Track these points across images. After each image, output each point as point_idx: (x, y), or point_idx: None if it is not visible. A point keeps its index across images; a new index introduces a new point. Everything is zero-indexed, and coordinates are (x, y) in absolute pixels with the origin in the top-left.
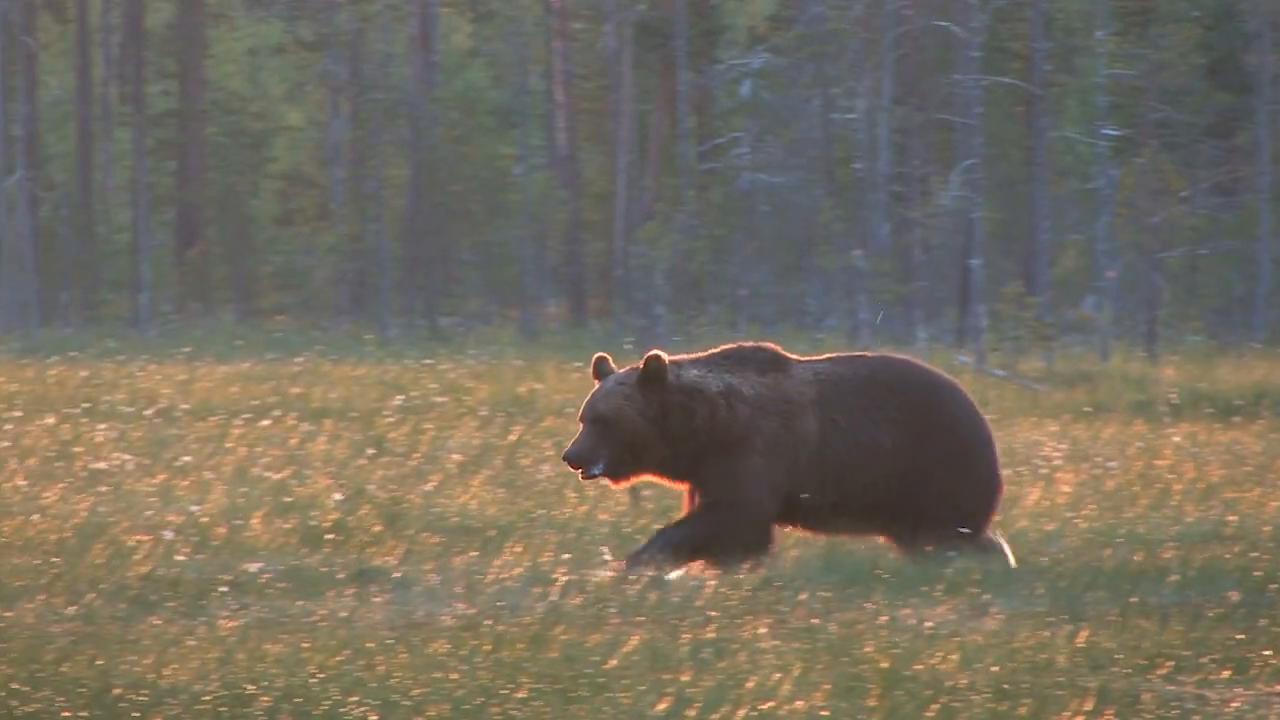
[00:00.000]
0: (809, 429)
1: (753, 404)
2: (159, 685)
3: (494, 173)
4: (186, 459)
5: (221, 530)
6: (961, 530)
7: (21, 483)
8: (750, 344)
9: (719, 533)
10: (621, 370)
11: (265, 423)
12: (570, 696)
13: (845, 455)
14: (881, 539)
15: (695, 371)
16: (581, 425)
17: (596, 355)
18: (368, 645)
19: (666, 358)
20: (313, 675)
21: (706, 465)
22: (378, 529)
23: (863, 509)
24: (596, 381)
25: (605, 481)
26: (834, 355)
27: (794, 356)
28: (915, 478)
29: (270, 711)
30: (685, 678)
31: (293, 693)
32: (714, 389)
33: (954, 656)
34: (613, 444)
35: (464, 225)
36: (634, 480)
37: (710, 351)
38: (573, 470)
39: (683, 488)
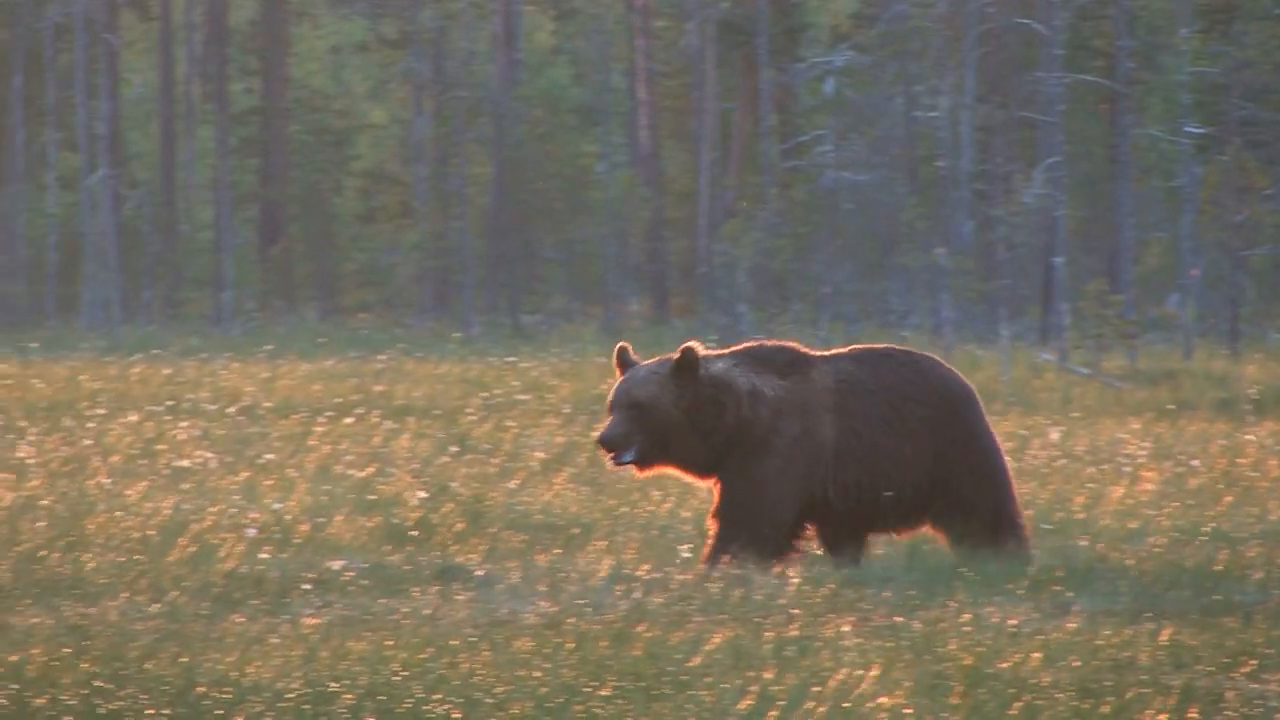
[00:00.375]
0: (827, 435)
1: (773, 406)
2: (242, 683)
3: (576, 170)
4: (269, 457)
5: (305, 528)
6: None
7: (105, 480)
8: (772, 343)
9: (736, 535)
10: (650, 360)
11: (348, 420)
12: (653, 694)
13: (864, 461)
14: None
15: (723, 365)
16: (611, 412)
17: (619, 345)
18: (451, 643)
19: (700, 349)
20: (396, 673)
21: (729, 463)
22: (461, 527)
23: (880, 515)
24: (619, 371)
25: (632, 470)
26: (857, 351)
27: (816, 354)
28: (934, 486)
29: (353, 709)
30: (768, 675)
31: (376, 690)
32: (742, 386)
33: (1037, 655)
34: (645, 431)
35: (547, 223)
36: (658, 471)
37: (734, 349)
38: (605, 455)
39: (705, 483)
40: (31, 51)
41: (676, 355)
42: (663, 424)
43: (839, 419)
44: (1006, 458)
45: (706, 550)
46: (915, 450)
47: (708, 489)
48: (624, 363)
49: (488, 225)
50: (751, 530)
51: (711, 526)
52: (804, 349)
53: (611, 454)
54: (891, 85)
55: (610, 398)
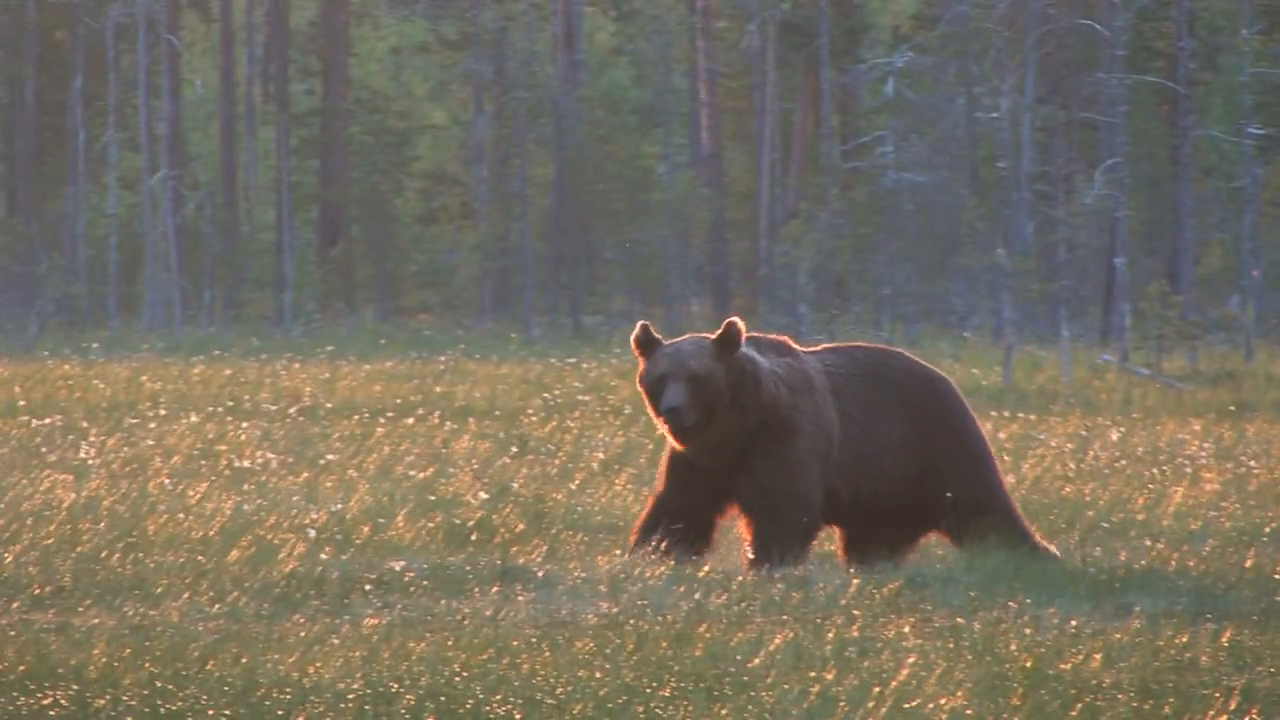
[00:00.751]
0: (831, 414)
1: (788, 384)
2: (303, 684)
3: (638, 171)
4: (330, 457)
5: (366, 529)
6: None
7: (166, 481)
8: (755, 332)
9: (781, 526)
10: (683, 337)
11: (409, 421)
12: (714, 695)
13: (858, 442)
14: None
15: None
16: (665, 383)
17: (641, 323)
18: (512, 644)
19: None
20: (457, 674)
21: (757, 446)
22: (521, 528)
23: (875, 500)
24: (638, 349)
25: (673, 442)
26: (830, 346)
27: (798, 348)
28: (923, 470)
29: (414, 710)
30: (829, 676)
31: (437, 691)
32: (762, 364)
33: (1097, 655)
34: (699, 404)
35: (607, 224)
36: (694, 447)
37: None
38: (671, 425)
39: (714, 466)
40: (93, 52)
41: (720, 330)
42: (714, 397)
43: (836, 400)
44: (989, 445)
45: (753, 548)
46: (902, 433)
47: (709, 483)
48: (647, 340)
49: (548, 226)
50: (793, 517)
51: (750, 521)
52: (791, 342)
53: (679, 423)
54: (952, 86)
55: (660, 369)
